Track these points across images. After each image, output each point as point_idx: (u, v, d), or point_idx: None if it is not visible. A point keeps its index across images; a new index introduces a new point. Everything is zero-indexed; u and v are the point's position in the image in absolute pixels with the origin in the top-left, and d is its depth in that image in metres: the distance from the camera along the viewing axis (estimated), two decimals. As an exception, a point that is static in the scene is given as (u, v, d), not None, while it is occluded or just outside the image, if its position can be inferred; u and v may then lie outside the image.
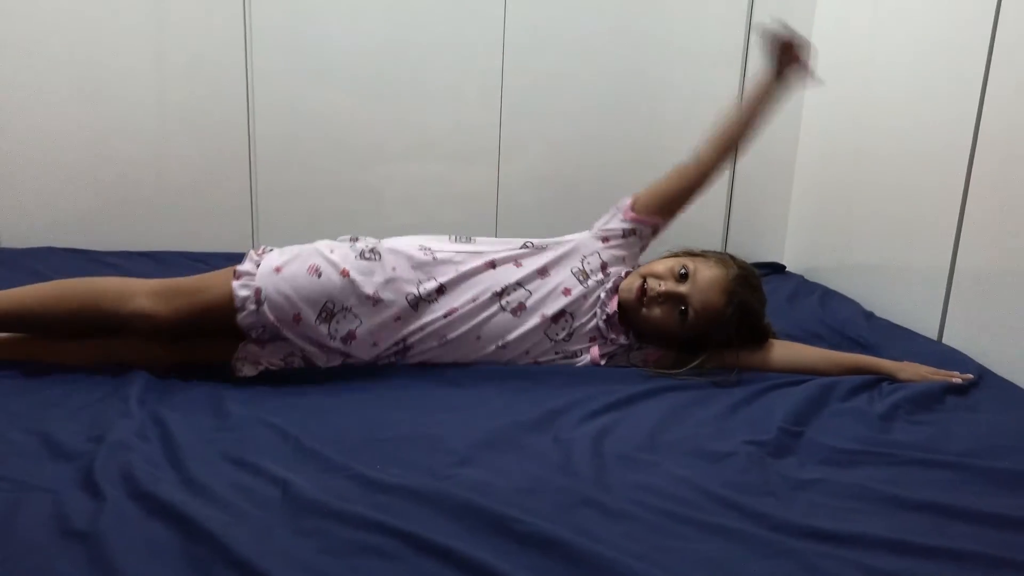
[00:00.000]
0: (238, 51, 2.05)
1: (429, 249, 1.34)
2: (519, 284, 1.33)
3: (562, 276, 1.36)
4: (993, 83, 1.48)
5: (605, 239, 1.44)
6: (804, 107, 2.20)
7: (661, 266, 1.37)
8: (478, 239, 1.42)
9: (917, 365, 1.36)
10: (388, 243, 1.35)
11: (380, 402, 1.18)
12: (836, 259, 2.06)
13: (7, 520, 0.80)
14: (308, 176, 2.15)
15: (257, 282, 1.24)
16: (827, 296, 1.91)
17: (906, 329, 1.65)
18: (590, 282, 1.37)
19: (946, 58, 1.62)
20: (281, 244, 2.12)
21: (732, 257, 1.44)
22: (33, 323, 1.26)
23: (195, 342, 1.29)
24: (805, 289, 1.99)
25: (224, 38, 2.04)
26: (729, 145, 1.47)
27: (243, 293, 1.24)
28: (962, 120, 1.53)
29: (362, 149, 2.16)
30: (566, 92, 2.18)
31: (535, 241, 1.41)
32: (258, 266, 1.28)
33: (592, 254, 1.41)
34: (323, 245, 1.33)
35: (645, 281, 1.34)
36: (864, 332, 1.60)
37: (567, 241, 1.42)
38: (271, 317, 1.23)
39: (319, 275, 1.26)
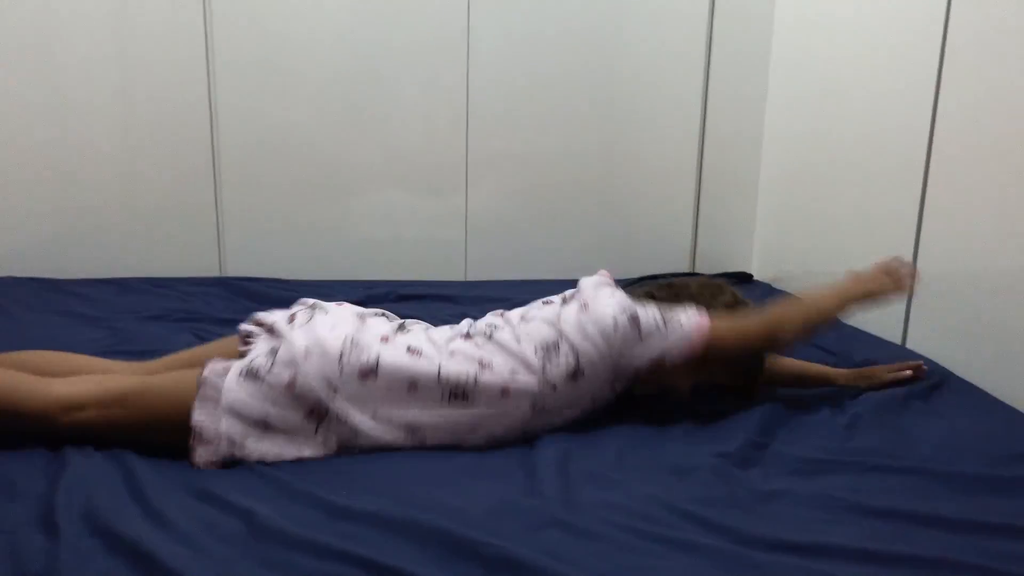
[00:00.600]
0: (200, 75, 2.03)
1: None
2: None
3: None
4: (944, 96, 1.52)
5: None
6: (767, 118, 2.23)
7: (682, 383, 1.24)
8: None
9: (877, 368, 1.39)
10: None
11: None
12: (801, 266, 2.08)
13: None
14: (275, 199, 2.13)
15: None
16: (793, 304, 1.93)
17: (870, 335, 1.67)
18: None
19: (899, 72, 1.65)
20: (247, 267, 2.11)
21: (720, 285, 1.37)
22: None
23: None
24: (772, 298, 2.01)
25: (186, 62, 2.02)
26: (814, 331, 1.38)
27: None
28: (917, 132, 1.57)
29: (329, 171, 2.15)
30: (532, 108, 2.19)
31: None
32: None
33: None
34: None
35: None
36: (830, 339, 1.62)
37: (581, 386, 1.16)
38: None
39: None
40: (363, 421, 1.07)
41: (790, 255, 2.16)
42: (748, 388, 1.31)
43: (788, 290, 2.07)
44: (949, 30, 1.50)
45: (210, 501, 0.93)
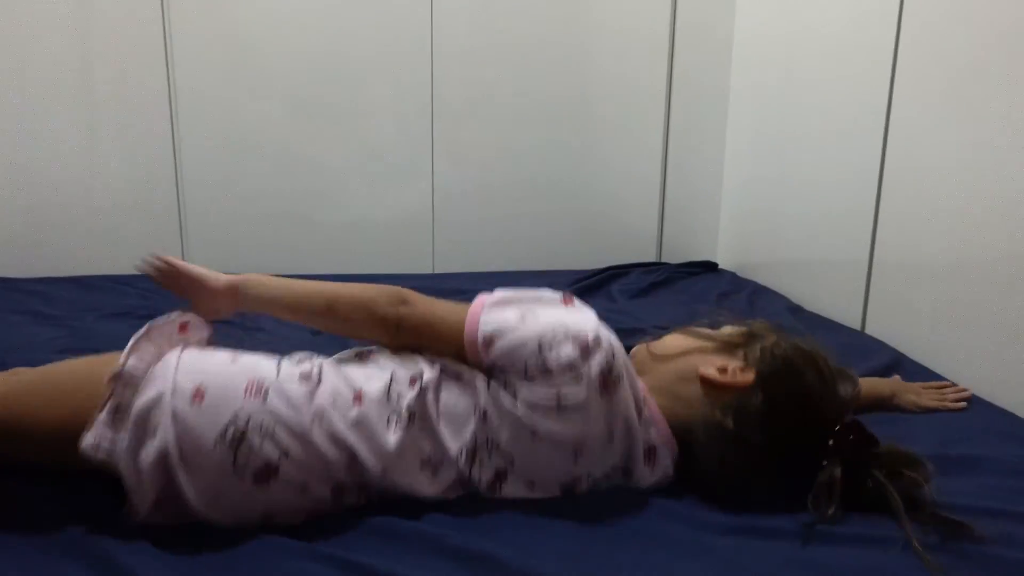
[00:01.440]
0: (160, 68, 2.01)
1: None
2: None
3: None
4: (900, 78, 1.55)
5: None
6: (729, 114, 2.25)
7: None
8: None
9: (911, 386, 1.27)
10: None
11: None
12: (765, 255, 2.12)
13: None
14: (238, 195, 2.12)
15: None
16: (757, 292, 1.97)
17: (831, 321, 1.71)
18: None
19: (857, 57, 1.68)
20: (210, 264, 2.06)
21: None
22: None
23: None
24: (736, 286, 2.04)
25: (145, 56, 1.99)
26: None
27: None
28: (872, 120, 1.60)
29: (293, 165, 2.13)
30: (497, 100, 2.19)
31: None
32: None
33: None
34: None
35: None
36: (790, 322, 1.65)
37: None
38: None
39: None
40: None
41: (754, 244, 2.19)
42: None
43: (754, 279, 2.10)
44: (904, 9, 1.53)
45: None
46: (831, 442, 0.86)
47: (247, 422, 0.82)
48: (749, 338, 0.94)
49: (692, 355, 0.95)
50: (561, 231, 2.30)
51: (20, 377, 0.91)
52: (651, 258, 2.34)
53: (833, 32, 1.78)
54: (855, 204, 1.67)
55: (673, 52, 2.23)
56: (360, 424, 0.85)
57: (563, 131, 2.24)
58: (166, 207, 2.08)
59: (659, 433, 0.92)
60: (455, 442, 0.87)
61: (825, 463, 0.86)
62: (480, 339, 0.89)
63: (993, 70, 1.31)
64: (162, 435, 0.81)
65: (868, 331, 1.64)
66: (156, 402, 0.82)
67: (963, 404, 1.23)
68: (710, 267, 2.27)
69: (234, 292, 0.99)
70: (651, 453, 0.92)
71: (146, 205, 2.08)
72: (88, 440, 0.80)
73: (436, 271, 2.23)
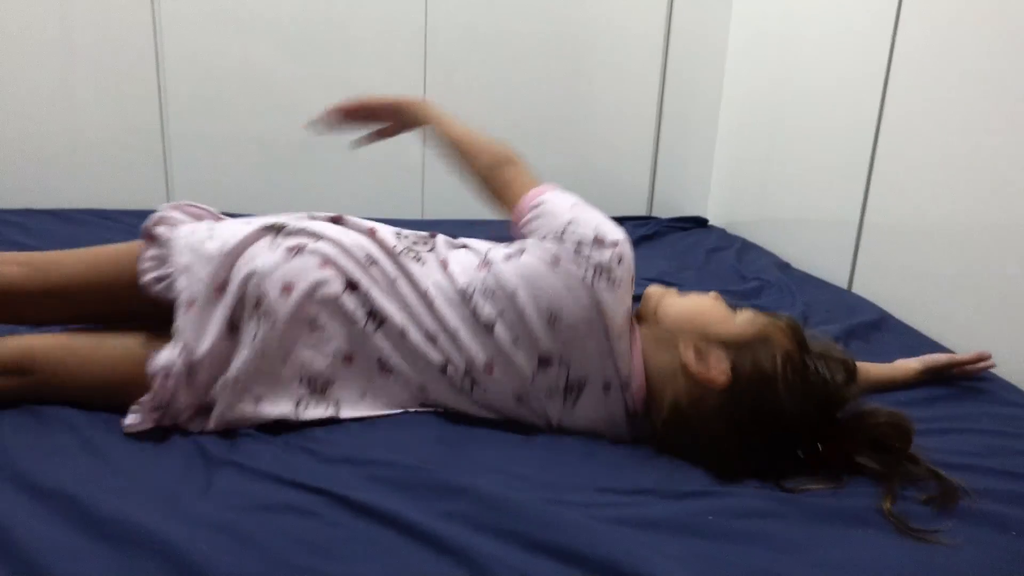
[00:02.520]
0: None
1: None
2: None
3: None
4: (899, 47, 1.52)
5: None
6: (727, 63, 2.22)
7: None
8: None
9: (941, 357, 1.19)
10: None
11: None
12: (756, 213, 2.11)
13: None
14: (223, 131, 2.07)
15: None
16: (745, 248, 1.97)
17: (818, 279, 1.71)
18: None
19: (856, 25, 1.65)
20: (195, 198, 2.04)
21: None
22: None
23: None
24: (725, 242, 2.04)
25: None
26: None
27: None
28: (870, 83, 1.58)
29: (282, 105, 2.08)
30: (490, 47, 2.14)
31: None
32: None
33: None
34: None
35: None
36: (779, 279, 1.66)
37: None
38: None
39: None
40: None
41: (745, 201, 2.18)
42: None
43: (741, 235, 2.10)
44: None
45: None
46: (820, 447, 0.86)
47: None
48: (754, 340, 0.90)
49: (694, 325, 0.93)
50: (552, 181, 2.27)
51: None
52: (641, 212, 2.33)
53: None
54: (848, 164, 1.66)
55: (672, 3, 2.18)
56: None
57: (557, 81, 2.20)
58: (150, 142, 2.04)
59: (631, 373, 0.93)
60: (463, 278, 0.96)
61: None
62: (529, 204, 1.01)
63: (993, 32, 1.29)
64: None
65: (855, 290, 1.65)
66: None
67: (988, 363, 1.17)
68: (700, 223, 2.27)
69: (426, 111, 1.19)
70: (608, 387, 0.94)
71: (130, 140, 2.03)
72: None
73: (425, 217, 2.21)
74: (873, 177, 1.61)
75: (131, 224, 1.87)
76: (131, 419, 0.91)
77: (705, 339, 0.90)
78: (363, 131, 1.22)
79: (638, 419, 0.95)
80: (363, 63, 2.09)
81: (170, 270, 0.97)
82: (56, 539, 0.70)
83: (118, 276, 1.00)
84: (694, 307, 0.97)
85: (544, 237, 0.95)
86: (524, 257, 0.95)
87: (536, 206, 1.00)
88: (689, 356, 0.89)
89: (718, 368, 0.88)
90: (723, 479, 0.86)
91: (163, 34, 1.97)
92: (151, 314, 0.98)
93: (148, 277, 0.98)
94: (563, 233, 0.94)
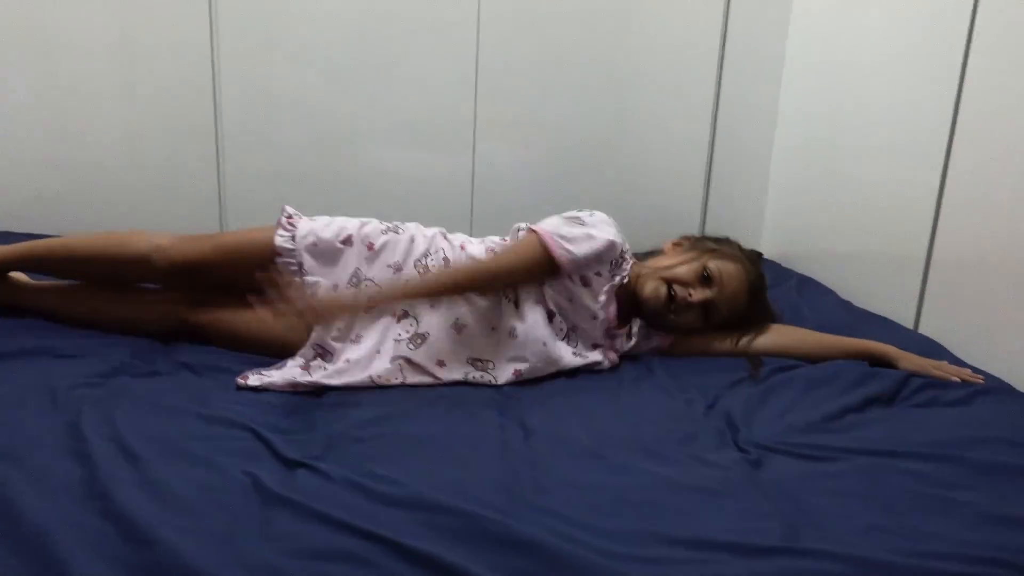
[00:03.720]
0: (203, 30, 1.98)
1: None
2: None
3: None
4: (971, 72, 1.47)
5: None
6: (781, 93, 2.18)
7: (684, 271, 1.38)
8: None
9: (921, 358, 1.35)
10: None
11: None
12: (813, 245, 2.05)
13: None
14: (277, 160, 2.09)
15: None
16: (803, 284, 1.91)
17: (883, 318, 1.64)
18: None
19: (925, 46, 1.60)
20: (249, 225, 2.07)
21: (734, 243, 1.49)
22: (54, 266, 1.39)
23: (215, 304, 1.34)
24: (781, 277, 1.98)
25: (189, 17, 1.96)
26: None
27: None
28: (940, 108, 1.52)
29: (334, 132, 2.10)
30: (543, 72, 2.13)
31: None
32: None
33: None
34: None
35: (671, 288, 1.36)
36: (841, 319, 1.60)
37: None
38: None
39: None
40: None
41: (801, 235, 2.12)
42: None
43: (796, 269, 2.04)
44: (979, 6, 1.45)
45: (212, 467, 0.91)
46: None
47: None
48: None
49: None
50: (601, 209, 2.23)
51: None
52: (693, 243, 2.28)
53: (899, 14, 1.69)
54: (915, 194, 1.59)
55: (726, 26, 2.15)
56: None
57: (608, 109, 2.18)
58: (206, 167, 2.07)
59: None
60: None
61: None
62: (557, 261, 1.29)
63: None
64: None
65: (922, 330, 1.58)
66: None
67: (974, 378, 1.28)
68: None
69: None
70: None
71: (185, 165, 2.06)
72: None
73: (474, 236, 2.19)
74: (942, 208, 1.54)
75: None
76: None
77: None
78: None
79: None
80: (415, 94, 2.09)
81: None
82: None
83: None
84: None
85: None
86: None
87: (567, 257, 1.30)
88: None
89: None
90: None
91: (220, 67, 2.01)
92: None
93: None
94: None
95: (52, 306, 1.37)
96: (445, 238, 1.42)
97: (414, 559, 0.74)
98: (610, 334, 1.38)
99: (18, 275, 1.42)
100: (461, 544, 0.76)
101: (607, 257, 1.32)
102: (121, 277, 1.38)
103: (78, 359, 1.20)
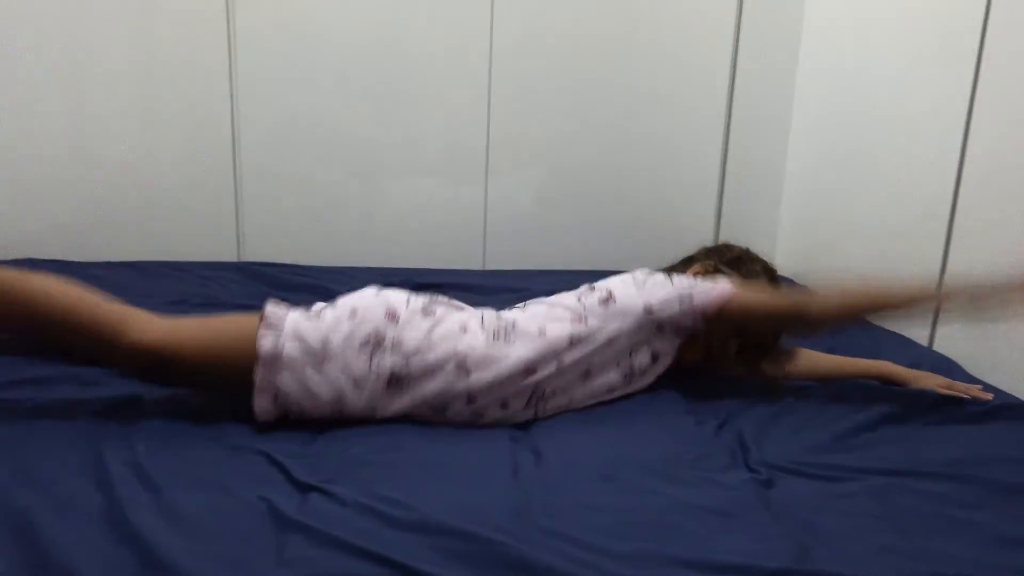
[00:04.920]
0: (222, 56, 2.02)
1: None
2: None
3: (607, 378, 1.23)
4: (983, 87, 1.47)
5: (661, 327, 1.25)
6: (794, 107, 2.18)
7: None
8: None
9: (934, 376, 1.35)
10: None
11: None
12: (826, 263, 2.05)
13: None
14: (293, 184, 2.12)
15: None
16: (817, 301, 1.90)
17: (898, 335, 1.64)
18: (634, 384, 1.26)
19: (937, 61, 1.61)
20: (265, 253, 2.13)
21: (752, 253, 1.51)
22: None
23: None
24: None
25: (208, 42, 2.01)
26: (860, 317, 1.37)
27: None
28: (952, 123, 1.53)
29: (348, 157, 2.13)
30: (555, 95, 2.15)
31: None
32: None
33: (643, 347, 1.24)
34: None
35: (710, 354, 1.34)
36: (856, 336, 1.59)
37: (613, 313, 1.22)
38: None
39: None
40: (417, 340, 1.14)
41: (814, 252, 2.12)
42: (750, 362, 1.35)
43: (811, 286, 2.04)
44: (989, 20, 1.45)
45: (227, 492, 0.92)
46: None
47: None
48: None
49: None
50: (614, 231, 2.25)
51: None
52: (705, 261, 2.28)
53: (909, 32, 1.70)
54: (928, 212, 1.59)
55: (738, 41, 2.16)
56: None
57: (620, 129, 2.20)
58: (223, 194, 2.10)
59: None
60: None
61: None
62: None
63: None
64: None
65: (936, 348, 1.57)
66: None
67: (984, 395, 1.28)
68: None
69: None
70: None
71: (203, 191, 2.09)
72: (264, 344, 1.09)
73: (487, 267, 2.21)
74: (955, 226, 1.54)
75: (203, 276, 1.92)
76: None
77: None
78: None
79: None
80: (428, 112, 2.12)
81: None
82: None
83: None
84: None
85: None
86: None
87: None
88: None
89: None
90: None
91: (238, 88, 2.05)
92: None
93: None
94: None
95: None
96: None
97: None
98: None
99: None
100: (472, 569, 0.77)
101: None
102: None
103: (101, 386, 1.22)
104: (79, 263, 1.95)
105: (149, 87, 2.02)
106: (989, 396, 1.28)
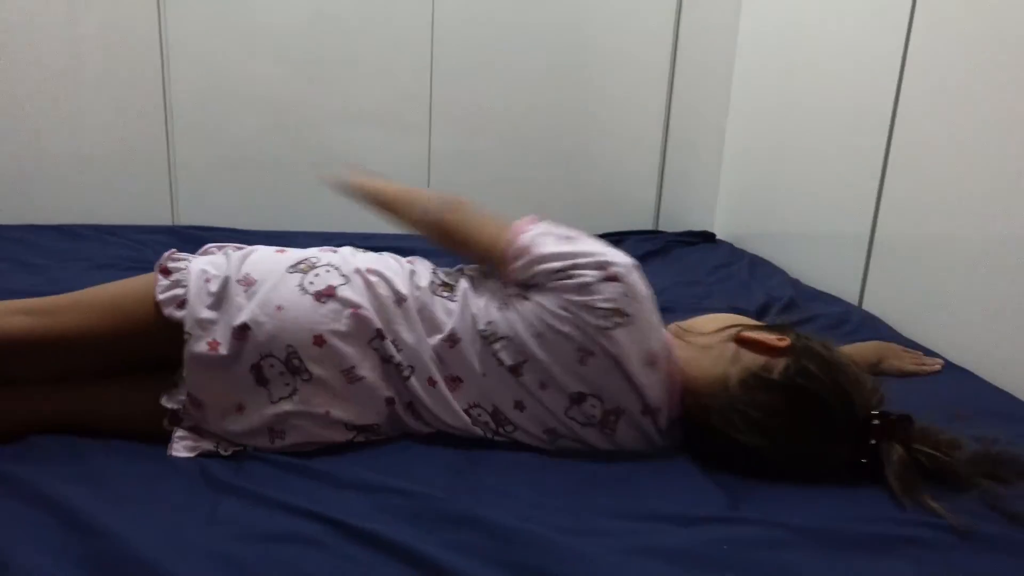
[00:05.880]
0: (151, 13, 1.94)
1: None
2: None
3: None
4: (912, 58, 1.51)
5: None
6: (734, 74, 2.21)
7: None
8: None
9: (897, 349, 1.31)
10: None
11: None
12: (763, 227, 2.09)
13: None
14: (229, 147, 2.06)
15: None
16: (755, 264, 1.95)
17: (829, 295, 1.69)
18: None
19: (867, 32, 1.64)
20: (200, 216, 2.05)
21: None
22: None
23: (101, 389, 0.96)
24: (733, 257, 2.02)
25: (137, 2, 1.92)
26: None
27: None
28: (881, 95, 1.56)
29: (287, 118, 2.08)
30: (497, 60, 2.13)
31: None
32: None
33: None
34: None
35: None
36: (790, 296, 1.64)
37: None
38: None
39: None
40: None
41: (752, 215, 2.16)
42: None
43: (748, 250, 2.09)
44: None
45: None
46: (876, 422, 0.86)
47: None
48: (786, 329, 0.96)
49: (735, 323, 0.98)
50: (557, 195, 2.26)
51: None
52: (648, 226, 2.31)
53: (842, 6, 1.73)
54: (859, 177, 1.64)
55: (680, 17, 2.17)
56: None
57: (564, 95, 2.19)
58: (155, 157, 2.03)
59: (662, 401, 0.94)
60: (484, 318, 0.95)
61: (876, 445, 0.86)
62: (515, 248, 0.97)
63: (1013, 38, 1.28)
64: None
65: (865, 307, 1.63)
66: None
67: (938, 368, 1.29)
68: (707, 237, 2.25)
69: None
70: (645, 411, 0.94)
71: (135, 155, 2.02)
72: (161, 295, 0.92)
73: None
74: (884, 190, 1.59)
75: (135, 240, 1.86)
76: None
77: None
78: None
79: (674, 427, 0.97)
80: (368, 82, 2.08)
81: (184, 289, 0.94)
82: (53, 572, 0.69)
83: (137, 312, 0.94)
84: (725, 317, 1.01)
85: (547, 287, 0.94)
86: (534, 308, 0.93)
87: (527, 247, 0.97)
88: (751, 333, 0.93)
89: (774, 338, 0.91)
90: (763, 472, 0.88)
91: (169, 51, 1.97)
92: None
93: (164, 296, 0.93)
94: (566, 278, 0.92)
95: None
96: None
97: (364, 539, 0.74)
98: None
99: None
100: (411, 523, 0.77)
101: None
102: None
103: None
104: (2, 226, 1.87)
105: (77, 47, 1.93)
106: (937, 366, 1.29)
